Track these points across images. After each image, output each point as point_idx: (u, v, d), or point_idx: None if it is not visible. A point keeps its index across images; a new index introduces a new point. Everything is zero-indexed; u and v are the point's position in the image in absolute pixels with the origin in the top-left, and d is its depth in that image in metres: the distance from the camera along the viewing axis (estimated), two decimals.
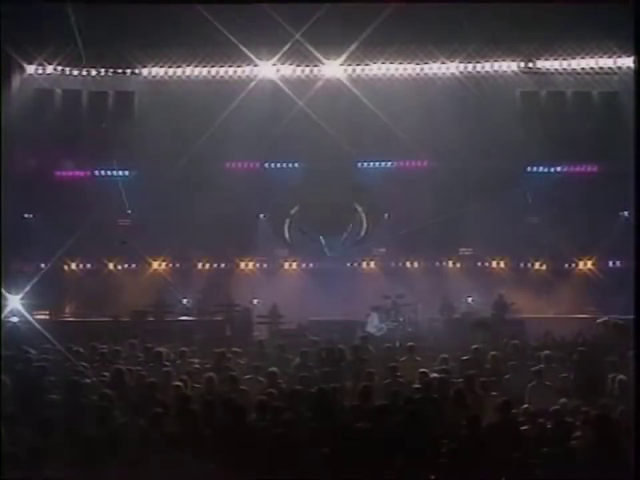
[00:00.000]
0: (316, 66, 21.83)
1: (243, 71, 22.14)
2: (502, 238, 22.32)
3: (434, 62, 21.86)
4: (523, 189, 22.33)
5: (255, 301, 21.52)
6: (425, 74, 22.09)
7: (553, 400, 9.69)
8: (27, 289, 21.17)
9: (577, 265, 23.25)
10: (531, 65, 22.00)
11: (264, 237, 23.98)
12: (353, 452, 8.00)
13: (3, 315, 18.16)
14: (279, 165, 23.85)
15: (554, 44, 21.38)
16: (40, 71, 22.15)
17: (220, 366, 12.05)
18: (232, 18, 18.49)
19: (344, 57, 21.17)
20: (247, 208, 23.21)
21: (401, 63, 21.91)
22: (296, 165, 23.76)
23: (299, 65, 21.89)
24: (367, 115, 21.15)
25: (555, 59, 21.86)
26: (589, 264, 23.14)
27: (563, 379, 11.44)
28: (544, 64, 22.02)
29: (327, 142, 21.14)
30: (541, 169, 23.29)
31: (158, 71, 22.28)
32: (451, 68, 21.94)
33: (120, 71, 22.36)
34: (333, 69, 21.75)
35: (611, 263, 23.04)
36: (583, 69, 21.80)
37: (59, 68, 22.08)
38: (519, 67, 22.07)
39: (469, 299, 21.89)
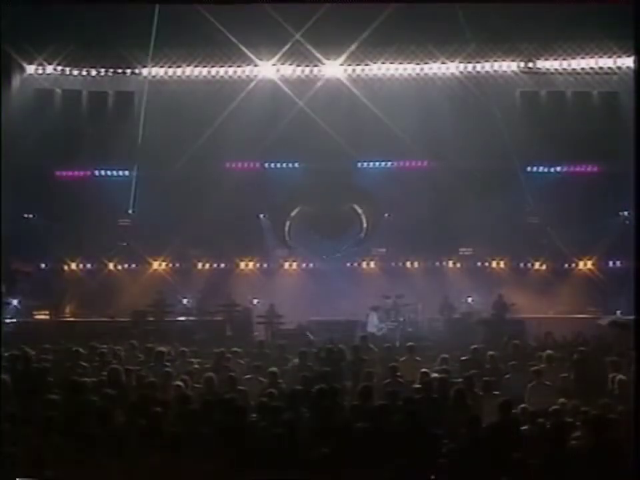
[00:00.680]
0: (316, 66, 21.86)
1: (243, 71, 22.16)
2: (502, 238, 22.32)
3: (434, 62, 21.91)
4: (523, 189, 22.32)
5: (255, 301, 21.54)
6: (425, 74, 22.13)
7: (553, 400, 9.69)
8: (27, 289, 21.23)
9: (577, 265, 23.20)
10: (531, 64, 22.03)
11: (264, 237, 24.00)
12: (353, 452, 8.00)
13: (2, 315, 18.19)
14: (278, 165, 23.83)
15: (554, 44, 21.43)
16: (40, 71, 22.21)
17: (220, 366, 12.06)
18: (232, 18, 18.52)
19: (344, 56, 21.23)
20: (247, 208, 23.21)
21: (401, 63, 21.95)
22: (296, 165, 23.75)
23: (299, 65, 21.92)
24: (366, 115, 21.20)
25: (555, 59, 21.91)
26: (589, 264, 23.09)
27: (563, 379, 11.43)
28: (544, 64, 22.06)
29: (327, 142, 21.17)
30: (541, 168, 23.30)
31: (158, 71, 22.29)
32: (451, 68, 21.99)
33: (120, 71, 22.40)
34: (333, 69, 21.80)
35: (611, 263, 23.01)
36: (582, 69, 21.86)
37: (59, 68, 22.12)
38: (518, 67, 22.11)
39: (469, 299, 21.92)
